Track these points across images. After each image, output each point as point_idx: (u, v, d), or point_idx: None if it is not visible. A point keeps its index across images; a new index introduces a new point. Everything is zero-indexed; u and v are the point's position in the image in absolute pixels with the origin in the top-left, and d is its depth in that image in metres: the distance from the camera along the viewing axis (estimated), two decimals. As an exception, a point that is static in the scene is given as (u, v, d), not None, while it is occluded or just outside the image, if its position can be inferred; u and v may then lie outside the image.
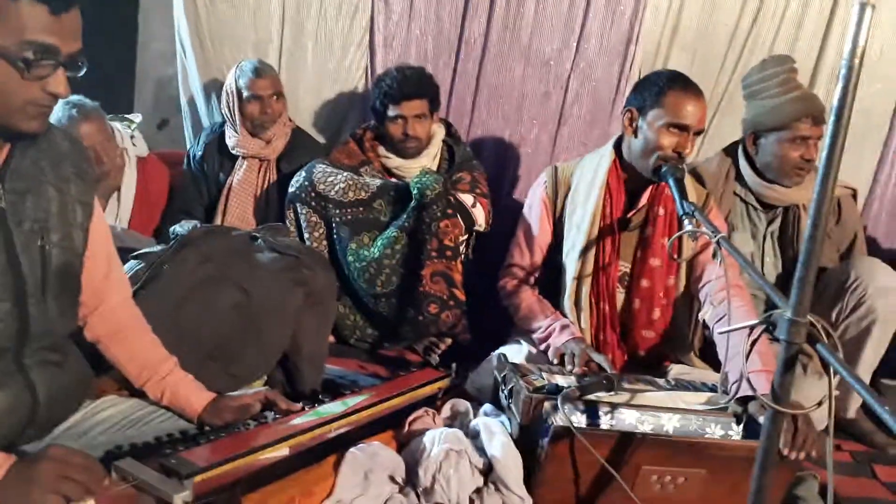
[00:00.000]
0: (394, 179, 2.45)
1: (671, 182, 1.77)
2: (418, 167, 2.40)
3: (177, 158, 2.70)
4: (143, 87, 4.03)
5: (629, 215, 1.96)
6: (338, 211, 2.30)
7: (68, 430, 1.32)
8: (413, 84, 2.39)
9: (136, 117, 2.62)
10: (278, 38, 2.83)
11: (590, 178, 1.97)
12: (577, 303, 1.96)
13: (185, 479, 1.16)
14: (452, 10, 2.75)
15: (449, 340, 2.30)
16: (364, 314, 2.36)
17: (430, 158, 2.48)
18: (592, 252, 1.94)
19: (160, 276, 1.69)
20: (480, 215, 2.40)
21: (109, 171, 2.29)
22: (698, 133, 1.85)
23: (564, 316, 1.98)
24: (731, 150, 2.36)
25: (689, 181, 1.98)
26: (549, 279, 2.07)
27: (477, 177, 2.47)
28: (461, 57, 2.79)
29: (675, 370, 2.01)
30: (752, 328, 1.15)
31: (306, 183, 2.31)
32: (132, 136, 2.49)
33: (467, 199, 2.36)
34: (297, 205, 2.33)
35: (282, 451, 1.34)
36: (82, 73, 1.14)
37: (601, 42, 2.70)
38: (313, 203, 2.31)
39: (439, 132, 2.51)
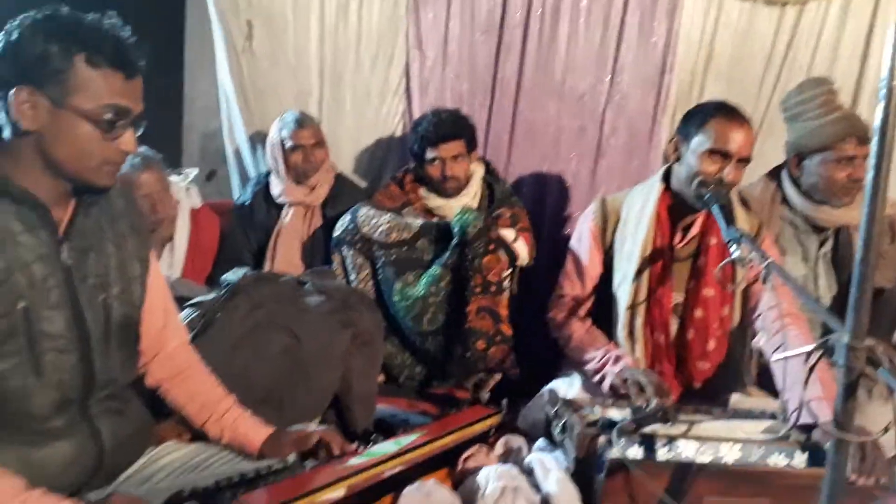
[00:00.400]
0: (435, 219, 2.48)
1: (715, 208, 1.76)
2: (459, 206, 2.43)
3: (226, 208, 2.79)
4: (189, 140, 4.19)
5: (680, 245, 1.95)
6: (382, 252, 2.33)
7: (131, 476, 1.36)
8: (448, 126, 2.43)
9: (192, 171, 2.73)
10: (318, 91, 2.92)
11: (639, 209, 1.96)
12: (630, 334, 1.95)
13: (246, 523, 1.17)
14: (486, 53, 2.80)
15: (498, 376, 2.29)
16: (412, 353, 2.37)
17: (471, 197, 2.51)
18: (645, 283, 1.92)
19: (214, 324, 1.74)
20: (523, 249, 2.40)
21: (163, 221, 2.37)
22: (743, 161, 1.83)
23: (617, 345, 1.96)
24: (774, 174, 2.34)
25: (740, 210, 1.97)
26: (600, 311, 2.07)
27: (517, 212, 2.49)
28: (496, 96, 2.84)
29: (733, 400, 1.97)
30: (808, 354, 1.13)
31: (351, 226, 2.36)
32: (187, 189, 2.58)
33: (509, 234, 2.38)
34: (343, 248, 2.38)
35: (338, 492, 1.34)
36: (142, 130, 1.23)
37: (635, 74, 2.73)
38: (358, 245, 2.36)
39: (478, 170, 2.54)
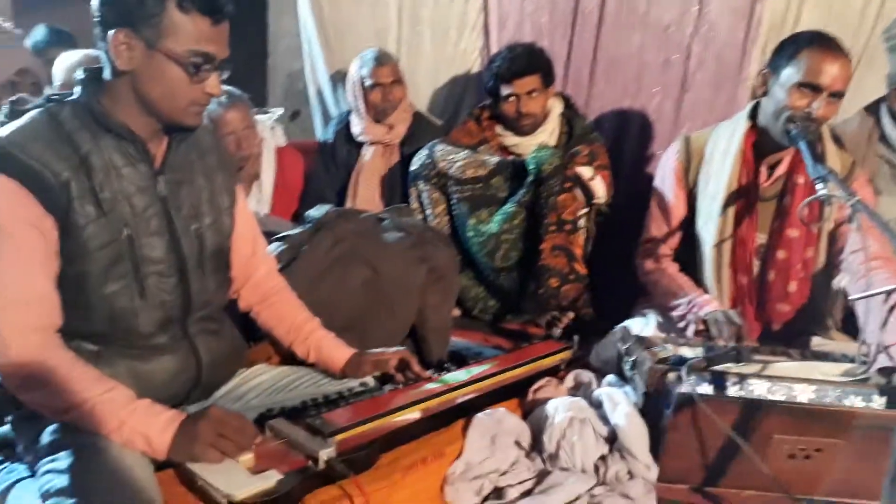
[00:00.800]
0: (511, 157, 2.49)
1: (802, 145, 1.70)
2: (535, 143, 2.41)
3: (309, 147, 2.88)
4: (274, 81, 4.30)
5: (766, 184, 1.90)
6: (457, 188, 2.36)
7: (226, 394, 1.49)
8: (522, 61, 2.38)
9: (277, 111, 2.82)
10: (396, 28, 2.93)
11: (724, 146, 1.91)
12: (716, 274, 1.93)
13: (329, 437, 1.28)
14: (567, -18, 2.73)
15: (571, 315, 2.32)
16: (486, 287, 2.42)
17: (548, 133, 2.48)
18: (729, 223, 1.89)
19: (299, 257, 1.84)
20: (600, 188, 2.38)
21: (248, 157, 2.48)
22: (836, 95, 1.74)
23: (704, 288, 1.94)
24: (873, 109, 2.21)
25: (832, 148, 1.89)
26: (684, 252, 2.05)
27: (596, 149, 2.45)
28: (577, 29, 2.76)
29: (815, 342, 1.94)
30: (888, 294, 1.10)
31: (428, 161, 2.40)
32: (272, 128, 2.67)
33: (586, 172, 2.35)
34: (420, 182, 2.42)
35: (413, 414, 1.44)
36: (227, 75, 1.29)
37: (724, 3, 2.58)
38: (434, 180, 2.40)
39: (556, 106, 2.50)
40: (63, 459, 1.13)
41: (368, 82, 2.61)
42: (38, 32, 2.88)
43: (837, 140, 2.05)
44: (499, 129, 2.52)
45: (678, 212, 2.03)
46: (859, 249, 1.78)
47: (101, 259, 1.24)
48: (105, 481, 1.09)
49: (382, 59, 2.62)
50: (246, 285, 1.56)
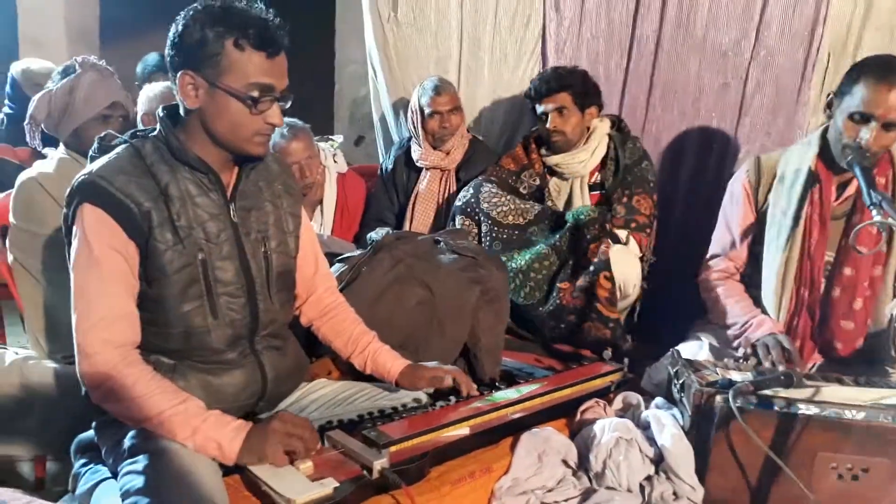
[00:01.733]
0: (553, 179, 2.56)
1: (857, 170, 1.72)
2: (576, 161, 2.50)
3: (371, 171, 3.00)
4: (340, 107, 4.48)
5: (836, 203, 1.92)
6: (495, 228, 2.48)
7: (289, 406, 1.58)
8: (548, 80, 2.47)
9: (338, 138, 2.95)
10: (457, 54, 3.03)
11: (796, 166, 1.94)
12: (779, 289, 1.94)
13: (383, 448, 1.35)
14: (623, 11, 2.77)
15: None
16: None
17: (590, 153, 2.52)
18: (798, 239, 1.91)
19: (359, 277, 1.93)
20: (634, 249, 2.41)
21: (312, 185, 2.61)
22: (890, 126, 1.74)
23: (763, 304, 1.96)
24: None
25: None
26: (747, 269, 2.08)
27: (636, 203, 2.46)
28: (633, 56, 2.80)
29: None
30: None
31: (472, 200, 2.52)
32: (334, 155, 2.80)
33: (620, 234, 2.40)
34: (460, 216, 2.55)
35: (463, 430, 1.50)
36: (289, 104, 1.39)
37: (783, 28, 2.58)
38: (474, 216, 2.53)
39: (601, 126, 2.54)
40: (141, 462, 1.24)
41: (427, 110, 2.71)
42: (150, 59, 3.10)
43: None
44: (543, 150, 2.60)
45: (748, 228, 2.05)
46: None
47: (178, 281, 1.35)
48: (177, 483, 1.19)
49: (441, 88, 2.72)
50: (307, 302, 1.66)
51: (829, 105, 1.88)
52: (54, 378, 1.78)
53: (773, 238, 1.95)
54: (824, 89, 2.57)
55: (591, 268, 2.26)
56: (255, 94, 1.32)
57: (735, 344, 1.94)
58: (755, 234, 2.03)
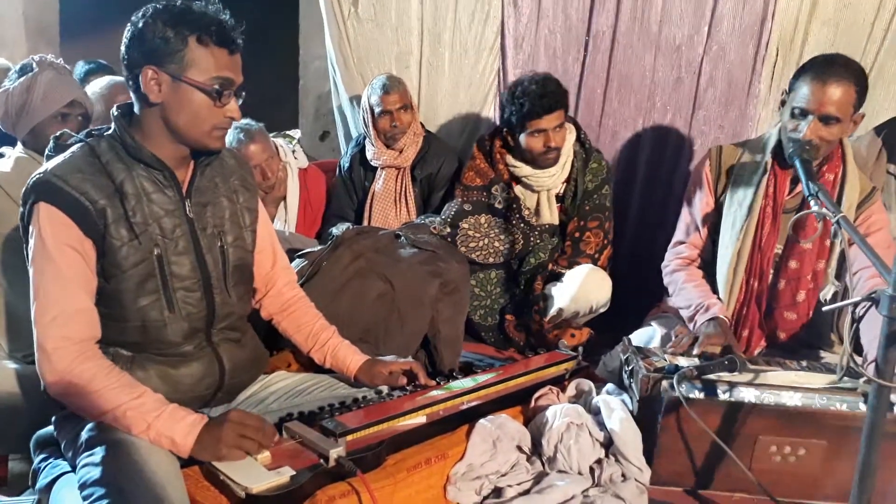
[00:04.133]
0: (519, 187, 2.55)
1: (797, 162, 1.79)
2: (548, 176, 2.47)
3: (333, 167, 3.02)
4: (305, 103, 4.48)
5: (788, 197, 1.98)
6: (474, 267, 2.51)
7: (249, 398, 1.62)
8: (551, 97, 2.38)
9: (296, 133, 2.96)
10: (418, 50, 3.05)
11: (753, 159, 2.01)
12: (731, 280, 2.00)
13: (340, 437, 1.39)
14: (580, 6, 2.82)
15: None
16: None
17: (560, 166, 2.50)
18: (751, 230, 1.97)
19: (320, 271, 1.97)
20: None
21: (274, 185, 2.63)
22: (827, 119, 1.81)
23: (716, 292, 2.03)
24: (883, 130, 2.25)
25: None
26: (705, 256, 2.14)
27: (585, 240, 2.51)
28: (590, 50, 2.86)
29: (823, 357, 1.99)
30: (854, 306, 1.18)
31: (450, 240, 2.47)
32: (294, 151, 2.82)
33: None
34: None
35: (419, 418, 1.54)
36: (241, 99, 1.43)
37: (734, 23, 2.65)
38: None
39: (569, 137, 2.51)
40: (98, 454, 1.26)
41: (377, 109, 2.71)
42: (77, 68, 3.09)
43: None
44: (510, 160, 2.53)
45: (708, 217, 2.11)
46: (867, 266, 1.85)
47: (134, 276, 1.38)
48: (133, 473, 1.22)
49: (390, 87, 2.72)
50: (267, 296, 1.69)
51: (782, 103, 1.94)
52: (15, 378, 1.78)
53: (727, 228, 2.01)
54: (773, 83, 2.66)
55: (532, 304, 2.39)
56: (218, 87, 1.36)
57: (691, 326, 2.00)
58: (713, 222, 2.10)
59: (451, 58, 3.04)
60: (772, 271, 2.01)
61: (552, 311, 2.38)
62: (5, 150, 2.10)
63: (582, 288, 2.34)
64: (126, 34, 1.37)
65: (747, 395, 1.54)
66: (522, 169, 2.50)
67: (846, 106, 1.81)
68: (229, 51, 1.38)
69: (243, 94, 1.44)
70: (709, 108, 2.79)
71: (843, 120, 1.82)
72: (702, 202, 2.10)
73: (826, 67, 1.83)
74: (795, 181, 1.98)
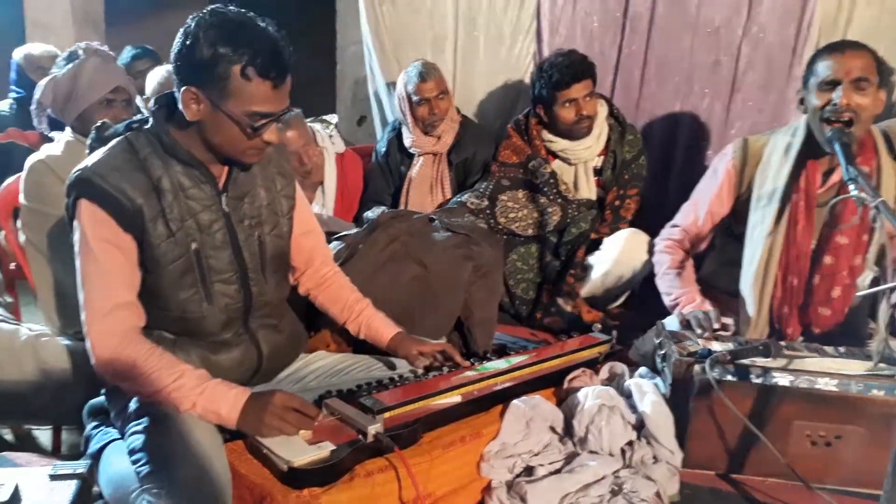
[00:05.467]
0: (557, 162, 2.58)
1: (836, 146, 1.75)
2: (584, 148, 2.52)
3: (369, 152, 3.05)
4: (342, 88, 4.51)
5: (821, 190, 1.94)
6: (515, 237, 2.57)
7: (289, 376, 1.67)
8: (578, 66, 2.47)
9: (333, 118, 2.99)
10: (453, 34, 3.07)
11: (783, 150, 1.96)
12: (762, 276, 1.97)
13: (377, 415, 1.43)
14: (617, -12, 2.80)
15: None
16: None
17: (595, 138, 2.55)
18: (783, 225, 1.93)
19: (356, 254, 2.01)
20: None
21: (311, 170, 2.67)
22: (858, 81, 1.78)
23: (740, 291, 2.00)
24: None
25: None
26: (727, 253, 2.12)
27: (626, 206, 2.57)
28: (627, 32, 2.84)
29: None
30: (891, 291, 1.18)
31: (488, 211, 2.54)
32: (330, 136, 2.85)
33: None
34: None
35: (454, 398, 1.58)
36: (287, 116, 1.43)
37: (774, 4, 2.61)
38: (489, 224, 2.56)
39: (601, 111, 2.57)
40: (145, 423, 1.33)
41: (415, 98, 2.73)
42: (123, 53, 3.18)
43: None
44: (546, 135, 2.59)
45: (719, 209, 2.09)
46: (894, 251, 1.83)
47: (173, 271, 1.42)
48: (179, 443, 1.28)
49: (426, 74, 2.72)
50: (305, 273, 1.73)
51: (801, 101, 1.92)
52: (67, 354, 1.86)
53: (756, 222, 1.97)
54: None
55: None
56: (255, 121, 1.35)
57: (673, 314, 2.00)
58: (725, 217, 2.08)
59: (486, 42, 3.06)
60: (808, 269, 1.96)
61: (595, 277, 2.42)
62: (55, 134, 2.18)
63: (625, 250, 2.37)
64: (177, 41, 1.34)
65: (781, 380, 1.54)
66: (558, 143, 2.56)
67: (870, 69, 1.80)
68: (273, 84, 1.33)
69: (289, 113, 1.42)
70: (747, 92, 2.75)
71: (872, 83, 1.80)
72: (714, 194, 2.07)
73: (838, 43, 1.87)
74: (828, 174, 1.94)
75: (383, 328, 1.69)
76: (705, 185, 2.13)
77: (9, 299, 2.44)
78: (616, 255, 2.38)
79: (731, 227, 2.11)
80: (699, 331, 1.79)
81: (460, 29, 3.07)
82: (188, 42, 1.32)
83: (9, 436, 2.19)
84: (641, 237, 2.39)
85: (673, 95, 2.86)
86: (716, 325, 1.81)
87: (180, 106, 1.36)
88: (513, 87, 3.07)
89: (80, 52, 2.14)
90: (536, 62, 3.00)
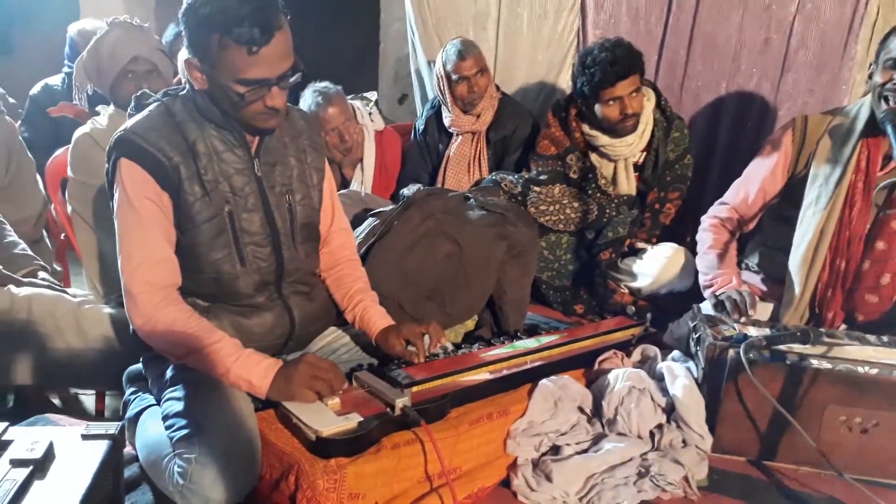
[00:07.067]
0: (595, 156, 2.50)
1: (889, 128, 1.69)
2: (626, 145, 2.41)
3: (408, 129, 3.06)
4: (385, 65, 4.50)
5: (880, 173, 1.87)
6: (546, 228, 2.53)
7: (322, 348, 1.69)
8: (623, 62, 2.29)
9: (373, 95, 3.00)
10: (496, 11, 3.03)
11: (845, 130, 1.90)
12: (811, 257, 1.92)
13: (406, 388, 1.45)
14: (665, -37, 2.73)
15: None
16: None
17: (638, 135, 2.42)
18: (838, 207, 1.87)
19: (391, 231, 2.02)
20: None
21: (351, 147, 2.68)
22: None
23: (788, 270, 1.95)
24: None
25: None
26: (774, 236, 2.07)
27: (666, 211, 2.49)
28: (673, 9, 2.77)
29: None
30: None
31: (520, 198, 2.50)
32: (370, 113, 2.86)
33: (642, 246, 2.50)
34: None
35: (483, 374, 1.58)
36: (296, 80, 1.40)
37: (831, -22, 2.51)
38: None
39: (647, 105, 2.43)
40: (180, 390, 1.37)
41: (454, 76, 2.69)
42: (168, 31, 3.23)
43: None
44: (587, 129, 2.47)
45: (771, 186, 2.03)
46: None
47: (207, 231, 1.45)
48: (211, 409, 1.32)
49: (465, 52, 2.67)
50: (322, 252, 1.72)
51: (870, 76, 1.84)
52: (110, 322, 1.92)
53: (811, 202, 1.91)
54: (872, 45, 2.50)
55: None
56: (242, 89, 1.34)
57: (706, 294, 1.98)
58: (776, 195, 2.03)
59: (530, 18, 3.01)
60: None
61: (633, 285, 2.42)
62: (101, 108, 2.24)
63: (666, 267, 2.36)
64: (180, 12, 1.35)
65: (816, 365, 1.50)
66: (599, 138, 2.45)
67: None
68: (252, 50, 1.29)
69: (293, 75, 1.39)
70: (799, 72, 2.65)
71: None
72: (766, 173, 2.01)
73: None
74: (890, 157, 1.85)
75: (375, 321, 1.64)
76: (759, 162, 2.07)
77: (58, 268, 2.52)
78: (657, 273, 2.38)
79: (781, 209, 2.05)
80: (735, 315, 1.75)
81: (503, 5, 3.03)
82: (183, 10, 1.34)
83: (56, 399, 2.28)
84: (683, 257, 2.36)
85: (719, 75, 2.77)
86: (750, 312, 1.77)
87: (188, 75, 1.39)
88: (556, 65, 3.03)
89: (106, 26, 2.17)
90: (580, 38, 2.95)
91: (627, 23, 2.84)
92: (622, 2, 2.85)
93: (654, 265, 2.38)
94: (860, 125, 1.85)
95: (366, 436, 1.34)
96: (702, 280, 2.02)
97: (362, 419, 1.36)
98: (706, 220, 2.14)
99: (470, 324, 2.08)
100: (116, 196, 1.42)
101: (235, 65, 1.32)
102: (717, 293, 1.89)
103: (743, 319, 1.74)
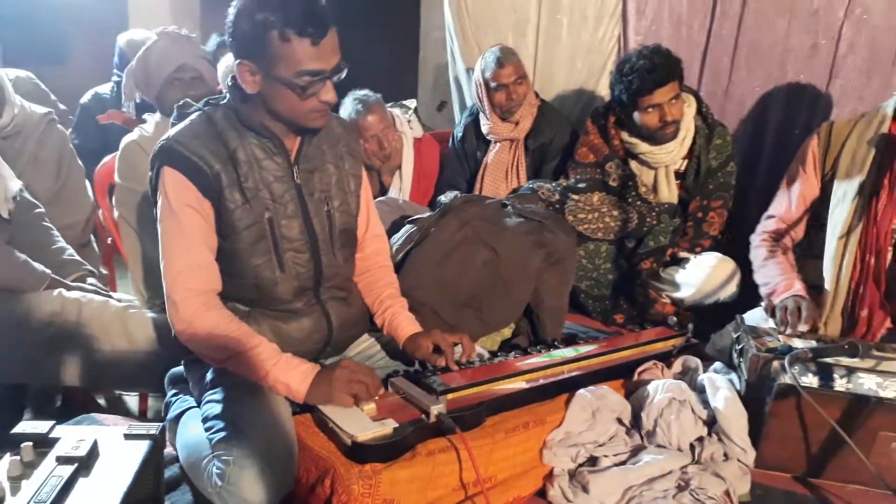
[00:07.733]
0: (635, 163, 2.47)
1: None
2: (666, 153, 2.38)
3: (447, 137, 3.06)
4: (424, 73, 4.53)
5: None
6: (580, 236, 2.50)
7: (358, 353, 1.70)
8: (661, 70, 2.25)
9: (412, 103, 3.01)
10: (535, 17, 3.03)
11: (870, 131, 1.90)
12: (840, 254, 1.91)
13: (441, 395, 1.45)
14: (708, -31, 2.69)
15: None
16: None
17: (679, 143, 2.38)
18: (864, 203, 1.87)
19: (428, 237, 2.02)
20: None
21: (390, 154, 2.70)
22: None
23: (817, 271, 1.93)
24: None
25: None
26: (815, 243, 2.02)
27: (709, 220, 2.42)
28: (717, 15, 2.72)
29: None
30: None
31: (558, 206, 2.47)
32: (409, 120, 2.87)
33: (685, 256, 2.42)
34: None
35: (519, 383, 1.57)
36: (343, 75, 1.43)
37: (882, -18, 2.44)
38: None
39: (688, 112, 2.39)
40: (220, 392, 1.40)
41: (493, 84, 2.68)
42: (211, 41, 3.31)
43: None
44: (626, 136, 2.45)
45: (809, 192, 2.03)
46: None
47: (247, 237, 1.47)
48: (249, 412, 1.34)
49: (504, 59, 2.66)
50: (356, 257, 1.71)
51: None
52: (153, 326, 1.96)
53: (838, 201, 1.92)
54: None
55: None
56: (304, 81, 1.37)
57: (764, 305, 1.94)
58: (815, 199, 2.02)
59: (570, 24, 3.00)
60: (891, 250, 1.88)
61: (676, 296, 2.37)
62: (147, 116, 2.29)
63: (710, 277, 2.30)
64: (227, 21, 1.38)
65: (867, 382, 1.47)
66: (639, 146, 2.42)
67: None
68: (312, 41, 1.33)
69: (344, 70, 1.42)
70: (847, 78, 2.58)
71: None
72: (802, 178, 2.03)
73: None
74: None
75: (403, 327, 1.64)
76: (794, 169, 2.08)
77: (105, 272, 2.59)
78: (700, 284, 2.32)
79: (820, 215, 2.02)
80: (782, 326, 1.72)
81: (543, 12, 3.02)
82: (233, 18, 1.37)
83: (101, 400, 2.33)
84: (728, 266, 2.31)
85: (765, 82, 2.71)
86: (802, 328, 1.72)
87: (239, 80, 1.41)
88: (595, 72, 3.01)
89: (155, 36, 2.23)
90: (621, 45, 2.92)
91: (669, 29, 2.81)
92: (664, 7, 2.81)
93: (698, 275, 2.33)
94: (888, 121, 1.86)
95: (401, 442, 1.34)
96: (763, 292, 1.98)
97: (398, 425, 1.37)
98: (756, 238, 2.12)
99: (507, 332, 2.07)
100: (159, 203, 1.46)
101: (297, 57, 1.35)
102: (773, 300, 1.87)
103: (789, 331, 1.70)
